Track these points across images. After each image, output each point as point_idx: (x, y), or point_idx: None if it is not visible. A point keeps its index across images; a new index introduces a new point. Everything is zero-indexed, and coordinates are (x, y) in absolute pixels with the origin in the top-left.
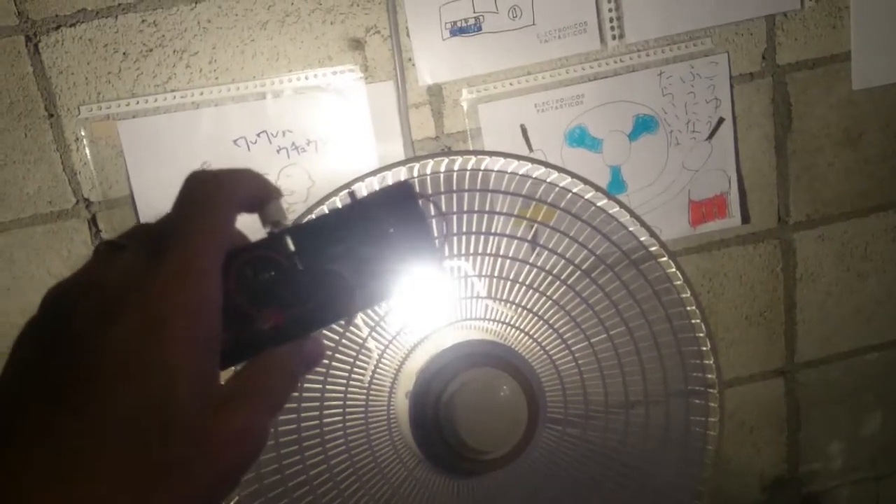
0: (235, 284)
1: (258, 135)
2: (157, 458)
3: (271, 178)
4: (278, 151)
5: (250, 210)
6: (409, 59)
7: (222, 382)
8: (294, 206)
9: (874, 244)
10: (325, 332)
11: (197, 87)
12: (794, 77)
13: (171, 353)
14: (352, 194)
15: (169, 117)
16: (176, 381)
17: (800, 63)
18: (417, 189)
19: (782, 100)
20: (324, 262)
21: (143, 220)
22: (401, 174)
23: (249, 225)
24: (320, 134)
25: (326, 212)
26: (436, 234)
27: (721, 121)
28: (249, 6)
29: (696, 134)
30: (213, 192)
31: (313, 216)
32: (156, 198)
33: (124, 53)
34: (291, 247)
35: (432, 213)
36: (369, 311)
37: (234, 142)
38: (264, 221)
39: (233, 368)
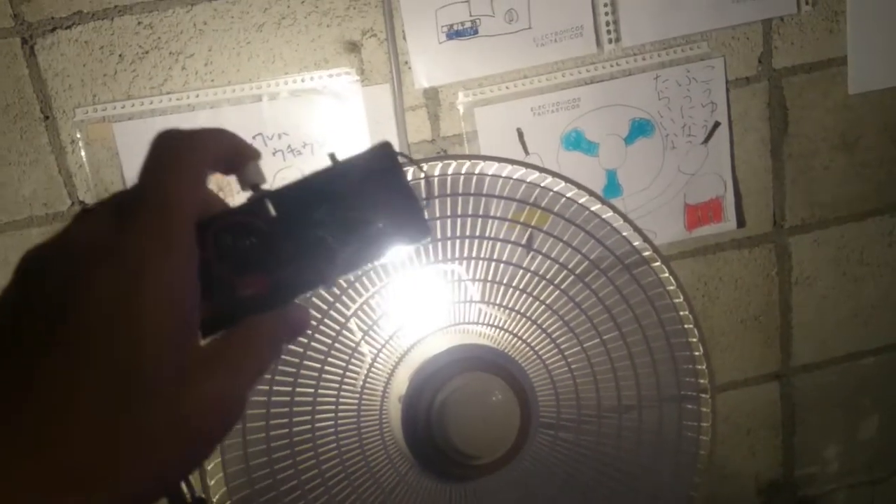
0: (214, 251)
1: (254, 137)
2: (129, 424)
3: (267, 181)
4: (274, 154)
5: (226, 171)
6: (406, 62)
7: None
8: None
9: (870, 248)
10: (321, 340)
11: (193, 89)
12: (790, 81)
13: (144, 314)
14: (332, 157)
15: (165, 119)
16: (148, 344)
17: (796, 67)
18: (398, 150)
19: (778, 104)
20: (306, 227)
21: None
22: None
23: None
24: (316, 137)
25: (307, 175)
26: (417, 195)
27: (717, 125)
28: (245, 9)
29: (692, 138)
30: (184, 150)
31: (293, 179)
32: None
33: (120, 55)
34: (272, 211)
35: (421, 182)
36: (363, 321)
37: None
38: (242, 184)
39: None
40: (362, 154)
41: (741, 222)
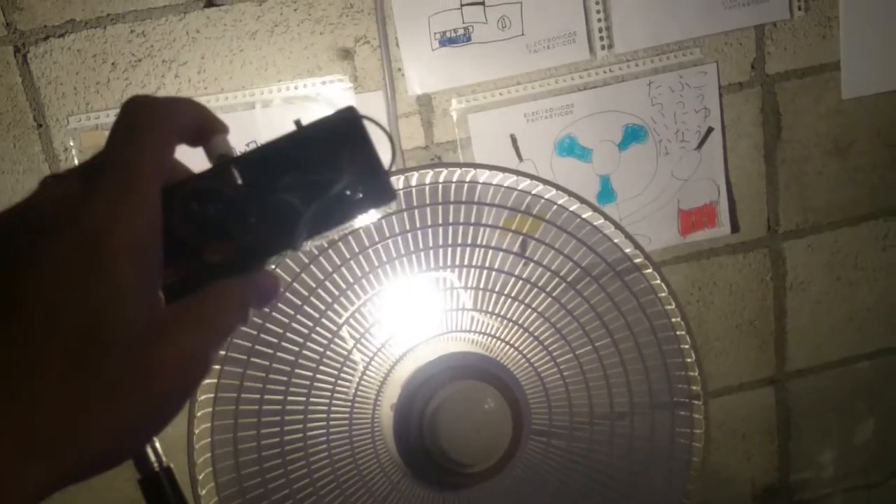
0: (181, 217)
1: (247, 145)
2: (95, 383)
3: None
4: None
5: (193, 142)
6: (399, 69)
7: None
8: None
9: (864, 253)
10: (313, 348)
11: (185, 96)
12: (783, 86)
13: (109, 271)
14: (297, 123)
15: None
16: (114, 303)
17: (789, 72)
18: (362, 113)
19: (771, 109)
20: (272, 192)
21: None
22: None
23: None
24: None
25: (272, 140)
26: (382, 159)
27: (710, 130)
28: (238, 16)
29: (686, 143)
30: (150, 116)
31: (258, 145)
32: None
33: (113, 64)
34: (238, 177)
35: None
36: (355, 329)
37: None
38: (210, 156)
39: None
40: (327, 118)
41: (735, 227)
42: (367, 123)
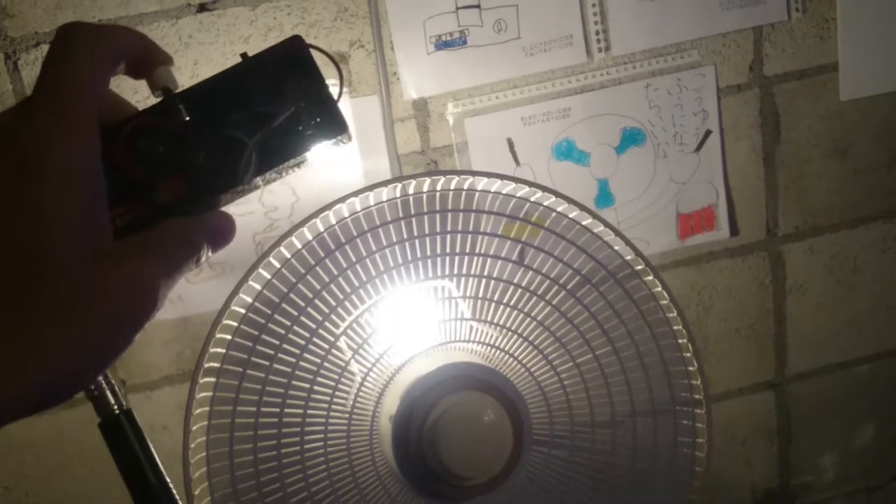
0: (127, 155)
1: None
2: (37, 309)
3: (255, 193)
4: None
5: (135, 73)
6: (394, 74)
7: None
8: (278, 221)
9: (864, 256)
10: (309, 360)
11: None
12: (781, 88)
13: (46, 194)
14: (244, 55)
15: None
16: (53, 224)
17: (787, 74)
18: (307, 42)
19: (770, 111)
20: (219, 127)
21: None
22: (382, 195)
23: None
24: None
25: (218, 73)
26: (331, 89)
27: (708, 133)
28: (231, 21)
29: (684, 146)
30: (86, 41)
31: (204, 79)
32: None
33: None
34: (184, 113)
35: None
36: (352, 339)
37: None
38: (153, 88)
39: None
40: (273, 49)
41: (734, 231)
42: (314, 53)
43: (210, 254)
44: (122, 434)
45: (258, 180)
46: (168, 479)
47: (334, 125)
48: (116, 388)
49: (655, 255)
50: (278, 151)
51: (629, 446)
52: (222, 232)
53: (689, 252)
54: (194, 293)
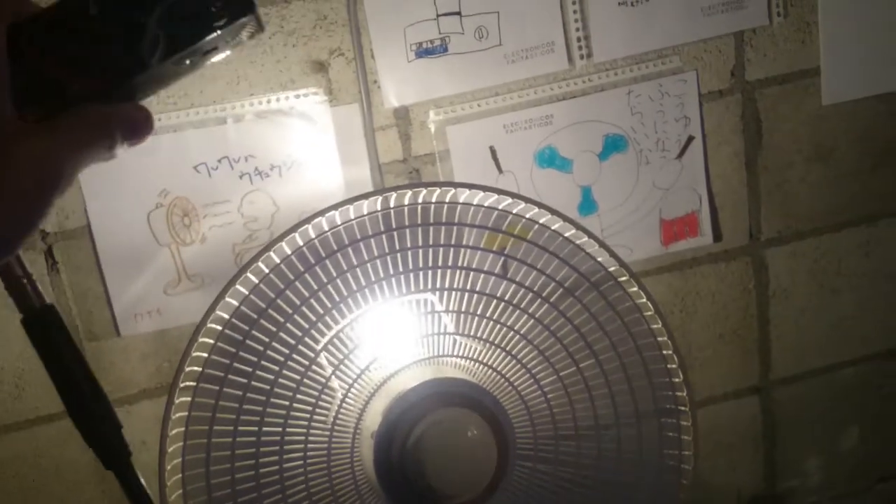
0: (34, 51)
1: (219, 160)
2: None
3: (234, 204)
4: (241, 177)
5: None
6: (375, 82)
7: None
8: (258, 232)
9: (847, 260)
10: (289, 376)
11: (155, 112)
12: (763, 93)
13: None
14: None
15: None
16: None
17: (769, 79)
18: None
19: (752, 116)
20: (125, 13)
21: (100, 250)
22: (363, 207)
23: None
24: (284, 159)
25: None
26: None
27: (691, 139)
28: None
29: (666, 153)
30: None
31: None
32: (114, 227)
33: None
34: (91, 6)
35: None
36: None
37: (195, 168)
38: None
39: None
40: None
41: (717, 236)
42: None
43: (125, 146)
44: (45, 329)
45: (172, 66)
46: (95, 378)
47: (242, 8)
48: (37, 283)
49: (639, 262)
50: (186, 33)
51: (614, 458)
52: (137, 122)
53: (673, 258)
54: (172, 306)
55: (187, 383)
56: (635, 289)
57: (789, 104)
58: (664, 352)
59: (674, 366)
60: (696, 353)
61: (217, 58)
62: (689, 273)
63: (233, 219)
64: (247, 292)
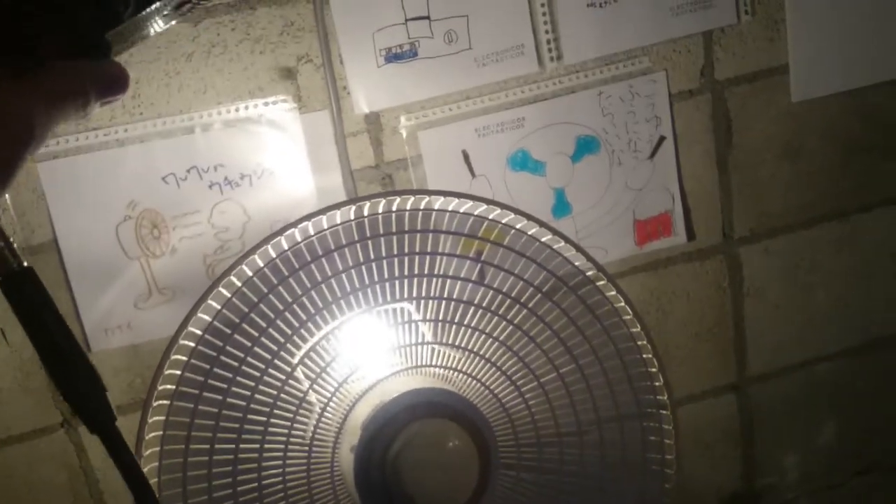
0: (6, 6)
1: (188, 171)
2: None
3: (204, 215)
4: (210, 187)
5: None
6: (344, 88)
7: None
8: (229, 243)
9: (819, 255)
10: (265, 392)
11: (120, 123)
12: (733, 92)
13: None
14: None
15: (92, 157)
16: None
17: (738, 78)
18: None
19: (722, 115)
20: None
21: (68, 265)
22: (336, 217)
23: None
24: (254, 167)
25: None
26: None
27: (662, 139)
28: (173, 38)
29: (638, 153)
30: None
31: None
32: (82, 241)
33: None
34: None
35: None
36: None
37: (163, 179)
38: None
39: None
40: None
41: (691, 235)
42: None
43: (98, 104)
44: (24, 291)
45: (146, 21)
46: (77, 341)
47: None
48: (14, 246)
49: (614, 263)
50: None
51: (598, 463)
52: (112, 79)
53: (648, 258)
54: (144, 320)
55: (161, 402)
56: (613, 293)
57: (759, 102)
58: (644, 355)
59: (654, 369)
60: (672, 353)
61: (189, 12)
62: (663, 273)
63: (203, 230)
64: (219, 307)
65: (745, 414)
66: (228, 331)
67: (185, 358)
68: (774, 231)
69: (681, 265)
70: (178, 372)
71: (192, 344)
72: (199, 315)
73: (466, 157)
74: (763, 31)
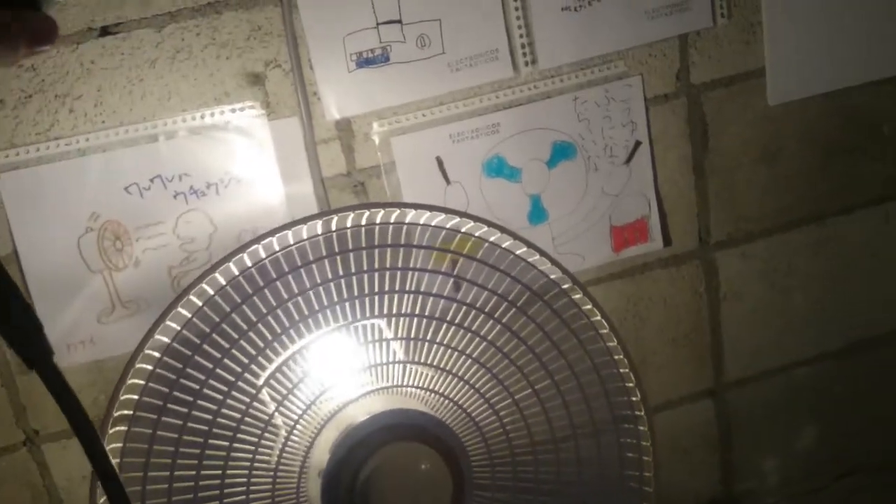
0: None
1: (152, 180)
2: None
3: (168, 225)
4: (175, 197)
5: None
6: (314, 93)
7: None
8: (195, 253)
9: (796, 259)
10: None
11: (82, 132)
12: (708, 96)
13: None
14: None
15: (53, 167)
16: None
17: (714, 81)
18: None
19: (698, 120)
20: None
21: (29, 278)
22: (303, 232)
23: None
24: (221, 176)
25: None
26: None
27: (638, 144)
28: (136, 44)
29: (614, 158)
30: None
31: None
32: (43, 254)
33: (1, 101)
34: None
35: None
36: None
37: (126, 189)
38: None
39: None
40: None
41: (667, 241)
42: None
43: (25, 57)
44: None
45: None
46: (11, 279)
47: None
48: None
49: (591, 270)
50: None
51: (575, 482)
52: (43, 32)
53: (624, 265)
54: (107, 334)
55: (118, 428)
56: (589, 306)
57: (735, 106)
58: (620, 370)
59: (630, 384)
60: (650, 359)
61: None
62: (640, 279)
63: (168, 241)
64: (178, 328)
65: (722, 419)
66: (189, 353)
67: (142, 382)
68: (752, 235)
69: (657, 271)
70: (136, 396)
71: (150, 367)
72: (158, 337)
73: (441, 163)
74: (739, 34)
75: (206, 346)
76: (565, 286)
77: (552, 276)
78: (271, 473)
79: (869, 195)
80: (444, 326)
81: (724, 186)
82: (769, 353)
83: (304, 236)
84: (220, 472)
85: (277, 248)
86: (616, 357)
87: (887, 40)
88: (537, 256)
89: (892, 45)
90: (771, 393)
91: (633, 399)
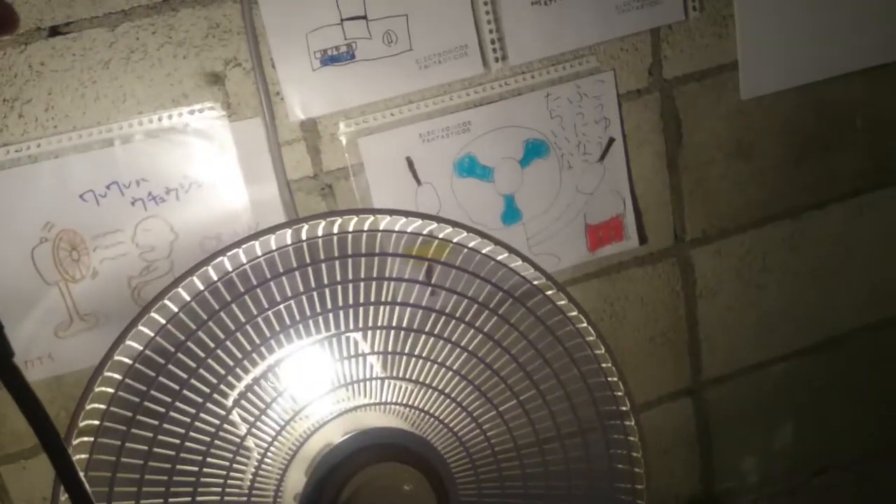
0: None
1: (108, 187)
2: None
3: (127, 234)
4: (133, 203)
5: None
6: (277, 93)
7: None
8: (156, 262)
9: (772, 255)
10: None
11: (33, 138)
12: (681, 90)
13: None
14: None
15: (3, 175)
16: None
17: (687, 76)
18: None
19: (671, 115)
20: None
21: None
22: (271, 243)
23: None
24: (181, 181)
25: None
26: None
27: (612, 141)
28: (88, 44)
29: (588, 156)
30: None
31: None
32: None
33: None
34: None
35: None
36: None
37: (81, 196)
38: None
39: None
40: None
41: (643, 239)
42: None
43: None
44: None
45: None
46: None
47: None
48: None
49: (567, 270)
50: None
51: (564, 497)
52: (4, 19)
53: (600, 264)
54: (65, 349)
55: (80, 456)
56: (575, 313)
57: (708, 100)
58: (608, 378)
59: (620, 393)
60: (627, 359)
61: None
62: (616, 278)
63: (126, 249)
64: (140, 347)
65: (701, 418)
66: (153, 374)
67: (104, 406)
68: (726, 231)
69: (633, 269)
70: (98, 422)
71: (112, 390)
72: (118, 358)
73: (411, 164)
74: (711, 27)
75: (171, 367)
76: (550, 293)
77: (535, 283)
78: (244, 498)
79: (843, 189)
80: (423, 338)
81: (698, 182)
82: (746, 350)
83: (273, 247)
84: (189, 498)
85: (245, 260)
86: (604, 365)
87: (859, 32)
88: (519, 262)
89: (864, 38)
90: (749, 390)
91: (623, 409)
